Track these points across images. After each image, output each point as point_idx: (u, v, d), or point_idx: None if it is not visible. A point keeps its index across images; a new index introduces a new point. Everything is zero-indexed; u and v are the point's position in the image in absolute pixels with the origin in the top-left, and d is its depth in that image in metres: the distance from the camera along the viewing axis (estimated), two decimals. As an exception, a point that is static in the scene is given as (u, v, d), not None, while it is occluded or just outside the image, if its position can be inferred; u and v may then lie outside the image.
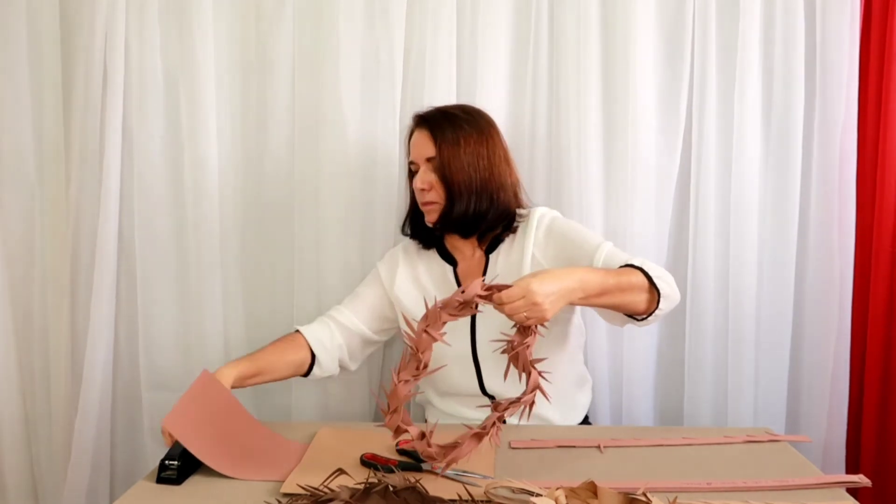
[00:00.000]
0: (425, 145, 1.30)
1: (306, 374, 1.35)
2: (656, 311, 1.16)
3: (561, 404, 1.32)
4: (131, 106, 1.51)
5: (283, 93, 1.55)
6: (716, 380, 1.57)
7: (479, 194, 1.28)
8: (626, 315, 1.19)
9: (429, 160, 1.29)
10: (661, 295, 1.14)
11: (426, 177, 1.29)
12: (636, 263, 1.17)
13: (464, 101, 1.52)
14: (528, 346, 1.03)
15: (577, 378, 1.41)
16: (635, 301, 1.14)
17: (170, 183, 1.55)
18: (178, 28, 1.51)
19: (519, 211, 1.34)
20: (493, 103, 1.50)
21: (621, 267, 1.17)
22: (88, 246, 1.52)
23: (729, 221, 1.54)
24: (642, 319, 1.18)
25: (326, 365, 1.35)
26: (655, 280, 1.14)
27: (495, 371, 1.27)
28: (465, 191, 1.27)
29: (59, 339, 1.55)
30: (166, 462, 1.02)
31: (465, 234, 1.33)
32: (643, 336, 1.57)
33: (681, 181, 1.57)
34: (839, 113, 1.50)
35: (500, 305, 1.03)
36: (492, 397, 1.31)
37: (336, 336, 1.36)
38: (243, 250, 1.59)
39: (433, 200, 1.29)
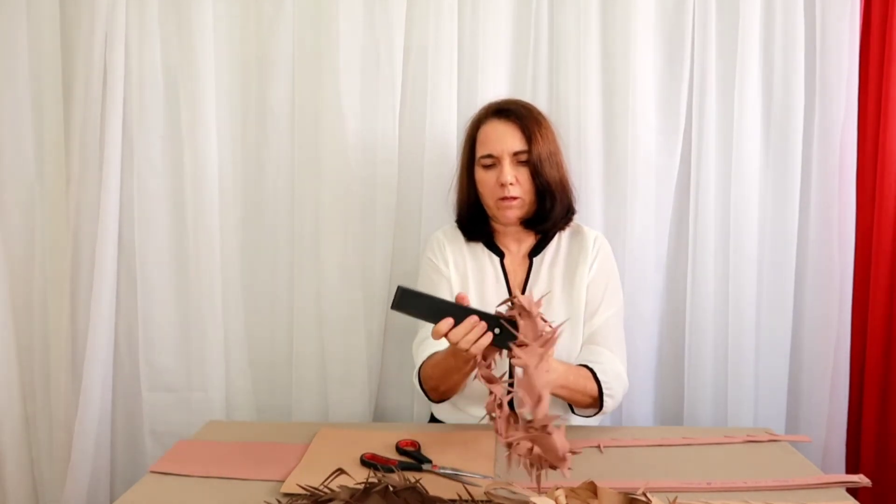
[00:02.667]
0: (513, 139, 1.26)
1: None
2: (590, 417, 1.25)
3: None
4: (131, 106, 1.51)
5: (283, 93, 1.55)
6: (716, 380, 1.57)
7: (560, 193, 1.29)
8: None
9: (516, 154, 1.26)
10: (603, 409, 1.21)
11: (514, 171, 1.25)
12: (598, 374, 1.20)
13: (464, 100, 1.53)
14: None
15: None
16: (576, 401, 1.21)
17: (170, 183, 1.56)
18: (178, 28, 1.51)
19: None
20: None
21: (583, 366, 1.21)
22: (88, 245, 1.52)
23: (729, 221, 1.54)
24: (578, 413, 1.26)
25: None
26: (605, 398, 1.19)
27: None
28: (552, 189, 1.27)
29: (59, 339, 1.56)
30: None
31: (537, 231, 1.32)
32: (643, 336, 1.58)
33: (681, 181, 1.57)
34: (839, 113, 1.50)
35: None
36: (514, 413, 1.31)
37: None
38: (243, 250, 1.59)
39: (517, 195, 1.25)
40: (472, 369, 1.09)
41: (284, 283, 1.59)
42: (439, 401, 1.28)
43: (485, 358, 1.00)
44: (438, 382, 1.21)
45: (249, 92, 1.57)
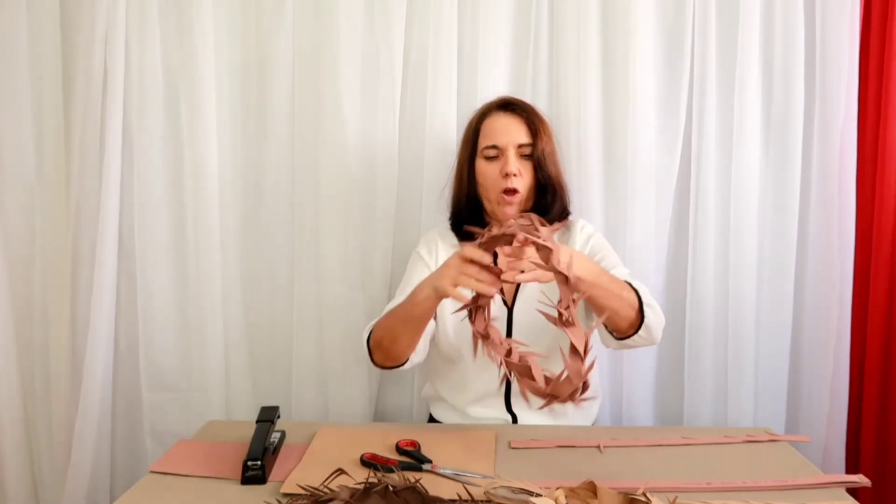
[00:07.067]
0: (518, 131, 1.27)
1: (404, 363, 1.24)
2: (634, 336, 1.17)
3: (578, 418, 1.35)
4: (131, 106, 1.51)
5: (283, 93, 1.55)
6: (716, 380, 1.57)
7: (559, 188, 1.30)
8: (608, 329, 1.19)
9: (520, 147, 1.27)
10: (644, 322, 1.15)
11: (517, 163, 1.26)
12: (634, 285, 1.17)
13: (464, 101, 1.53)
14: (575, 303, 0.97)
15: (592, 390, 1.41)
16: (622, 310, 1.13)
17: (170, 183, 1.55)
18: (178, 28, 1.51)
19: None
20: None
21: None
22: (88, 246, 1.52)
23: (728, 221, 1.54)
24: (621, 339, 1.19)
25: (421, 351, 1.25)
26: (644, 306, 1.15)
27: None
28: (553, 183, 1.28)
29: (59, 339, 1.56)
30: (249, 463, 1.01)
31: None
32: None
33: (681, 181, 1.57)
34: (839, 113, 1.50)
35: (544, 252, 0.98)
36: (513, 414, 1.32)
37: None
38: (243, 250, 1.59)
39: (519, 188, 1.25)
40: (423, 323, 1.15)
41: (284, 283, 1.59)
42: (381, 364, 1.24)
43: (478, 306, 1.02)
44: (386, 333, 1.18)
45: (249, 92, 1.57)
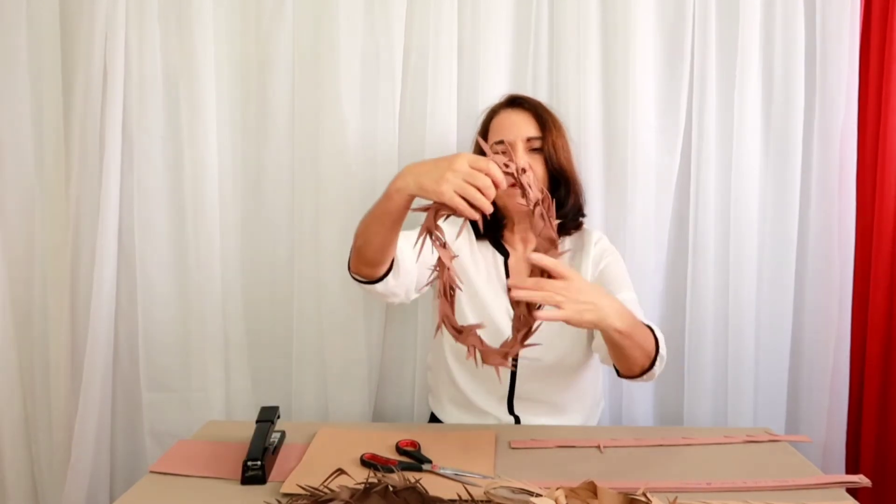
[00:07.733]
0: (527, 125, 1.28)
1: (383, 277, 1.17)
2: (636, 379, 1.13)
3: (579, 419, 1.35)
4: (131, 106, 1.51)
5: (283, 93, 1.55)
6: (716, 380, 1.57)
7: (573, 183, 1.29)
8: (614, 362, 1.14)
9: (529, 140, 1.27)
10: (651, 370, 1.11)
11: (526, 157, 1.25)
12: (654, 330, 1.12)
13: (464, 101, 1.53)
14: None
15: (594, 404, 1.42)
16: (635, 358, 1.08)
17: (170, 183, 1.55)
18: (178, 28, 1.51)
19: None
20: (494, 104, 1.50)
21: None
22: (88, 246, 1.52)
23: (729, 221, 1.54)
24: (623, 377, 1.15)
25: (404, 277, 1.20)
26: (658, 357, 1.11)
27: (531, 376, 1.27)
28: (566, 176, 1.28)
29: (59, 339, 1.55)
30: (249, 463, 1.01)
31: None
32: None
33: (681, 181, 1.57)
34: (839, 113, 1.50)
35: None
36: (515, 416, 1.32)
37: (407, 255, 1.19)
38: (243, 250, 1.59)
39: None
40: (396, 220, 1.05)
41: (284, 283, 1.59)
42: (356, 272, 1.17)
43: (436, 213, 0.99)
44: (360, 232, 1.12)
45: (249, 92, 1.57)
